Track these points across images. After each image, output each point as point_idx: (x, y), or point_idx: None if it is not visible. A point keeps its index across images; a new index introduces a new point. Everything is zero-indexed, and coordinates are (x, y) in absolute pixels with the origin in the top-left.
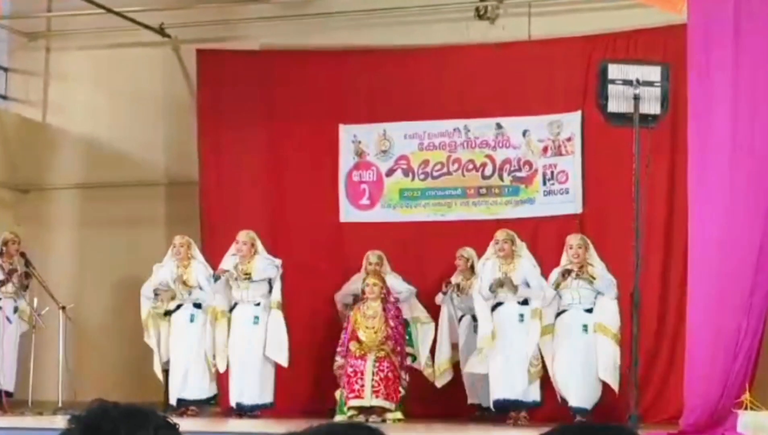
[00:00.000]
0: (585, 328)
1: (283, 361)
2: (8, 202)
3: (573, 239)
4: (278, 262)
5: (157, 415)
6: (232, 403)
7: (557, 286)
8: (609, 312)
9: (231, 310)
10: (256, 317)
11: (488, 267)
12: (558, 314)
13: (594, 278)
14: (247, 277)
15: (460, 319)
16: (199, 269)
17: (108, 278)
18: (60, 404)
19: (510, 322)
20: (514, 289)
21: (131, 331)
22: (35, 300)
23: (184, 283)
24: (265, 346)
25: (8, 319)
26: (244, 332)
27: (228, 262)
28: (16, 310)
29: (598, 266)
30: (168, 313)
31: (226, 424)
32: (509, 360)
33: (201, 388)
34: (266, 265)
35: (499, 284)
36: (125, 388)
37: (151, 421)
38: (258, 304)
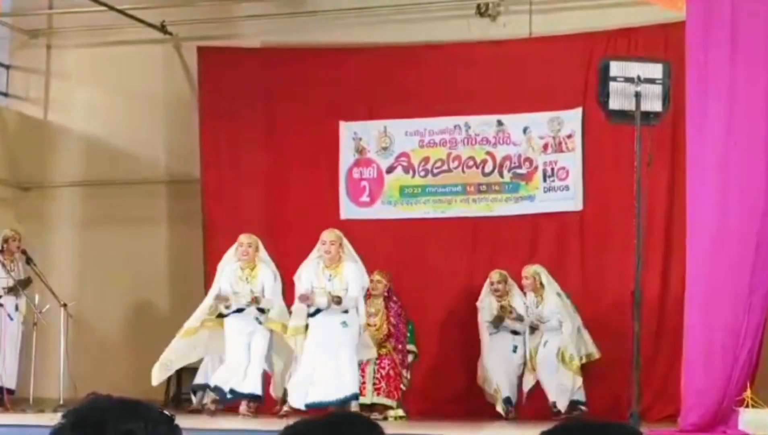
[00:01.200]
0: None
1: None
2: (9, 199)
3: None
4: (366, 280)
5: (150, 408)
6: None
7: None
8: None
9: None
10: (344, 322)
11: (485, 305)
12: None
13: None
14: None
15: None
16: (266, 275)
17: (109, 276)
18: (61, 401)
19: (505, 350)
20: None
21: (132, 329)
22: (36, 297)
23: (249, 289)
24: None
25: (10, 316)
26: (332, 333)
27: (309, 267)
28: (17, 307)
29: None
30: (222, 316)
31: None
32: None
33: (256, 385)
34: (356, 276)
35: (499, 319)
36: (126, 386)
37: (142, 413)
38: (346, 311)
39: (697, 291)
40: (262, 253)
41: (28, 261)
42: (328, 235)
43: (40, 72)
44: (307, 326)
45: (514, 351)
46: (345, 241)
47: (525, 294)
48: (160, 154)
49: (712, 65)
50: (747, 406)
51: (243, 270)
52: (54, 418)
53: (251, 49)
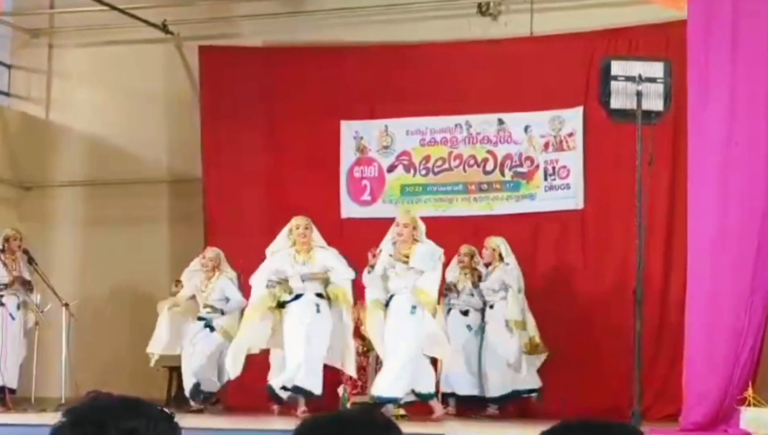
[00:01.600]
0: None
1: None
2: (11, 199)
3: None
4: (440, 251)
5: (151, 406)
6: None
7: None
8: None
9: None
10: (414, 308)
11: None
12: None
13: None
14: (405, 260)
15: None
16: (327, 255)
17: (110, 275)
18: (63, 401)
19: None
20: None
21: (134, 328)
22: (38, 297)
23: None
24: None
25: (11, 315)
26: (400, 319)
27: (385, 247)
28: (19, 306)
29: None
30: (282, 305)
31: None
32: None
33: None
34: (426, 252)
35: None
36: (128, 385)
37: (143, 411)
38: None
39: (698, 290)
40: (316, 234)
41: (30, 260)
42: (402, 217)
43: (41, 71)
44: (387, 303)
45: (469, 329)
46: (420, 224)
47: (486, 266)
48: (162, 153)
49: (713, 65)
50: (749, 405)
51: (299, 253)
52: (56, 418)
53: (252, 48)
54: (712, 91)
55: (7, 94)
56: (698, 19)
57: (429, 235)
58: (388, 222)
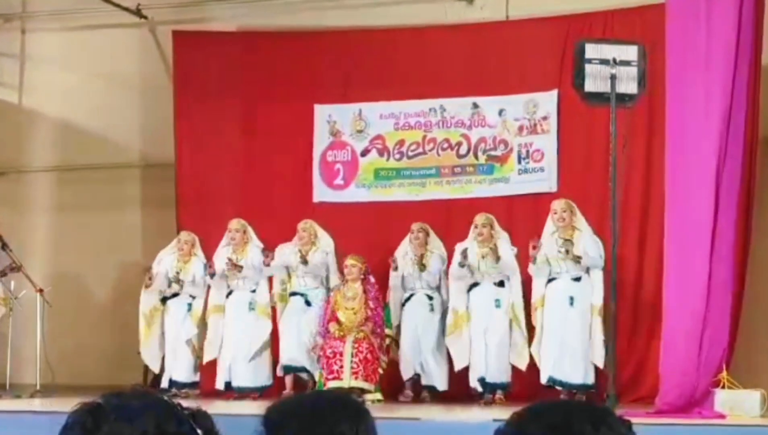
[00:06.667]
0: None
1: None
2: None
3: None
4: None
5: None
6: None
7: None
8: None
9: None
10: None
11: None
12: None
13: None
14: (423, 268)
15: None
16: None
17: (85, 261)
18: (38, 387)
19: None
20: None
21: (108, 313)
22: (12, 283)
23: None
24: None
25: None
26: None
27: (400, 251)
28: None
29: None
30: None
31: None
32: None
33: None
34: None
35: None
36: (103, 372)
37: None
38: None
39: (675, 274)
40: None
41: (4, 246)
42: (416, 225)
43: (14, 56)
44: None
45: (498, 306)
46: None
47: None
48: (136, 138)
49: (691, 49)
50: (723, 388)
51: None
52: (31, 404)
53: (226, 33)
54: (691, 76)
55: None
56: (677, 2)
57: (403, 221)
58: (360, 206)
